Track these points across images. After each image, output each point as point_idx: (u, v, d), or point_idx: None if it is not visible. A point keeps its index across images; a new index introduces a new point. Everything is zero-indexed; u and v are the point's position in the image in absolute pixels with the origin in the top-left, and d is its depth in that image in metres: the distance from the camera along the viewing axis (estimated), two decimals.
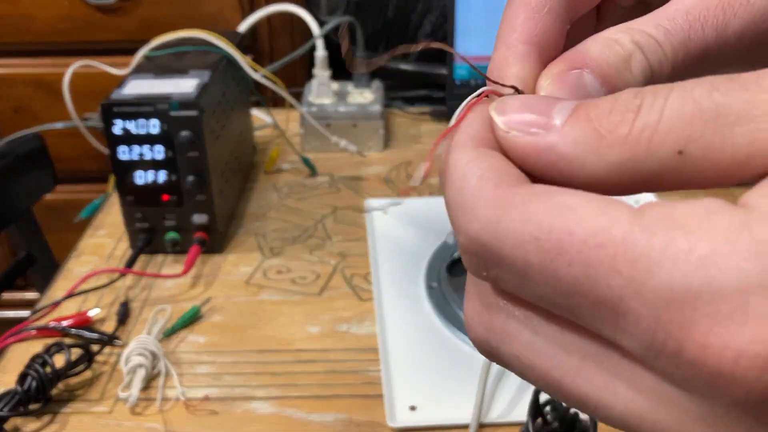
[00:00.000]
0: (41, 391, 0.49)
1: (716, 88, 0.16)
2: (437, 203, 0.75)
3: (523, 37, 0.22)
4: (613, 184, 0.17)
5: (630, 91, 0.17)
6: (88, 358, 0.53)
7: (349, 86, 0.91)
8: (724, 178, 0.16)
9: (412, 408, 0.50)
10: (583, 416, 0.40)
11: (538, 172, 0.18)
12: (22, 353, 0.55)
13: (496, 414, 0.50)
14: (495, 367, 0.53)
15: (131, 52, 0.75)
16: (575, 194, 0.16)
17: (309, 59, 1.00)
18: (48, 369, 0.50)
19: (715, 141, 0.15)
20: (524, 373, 0.18)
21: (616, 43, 0.20)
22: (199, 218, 0.66)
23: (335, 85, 0.90)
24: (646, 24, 0.20)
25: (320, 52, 0.86)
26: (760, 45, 0.21)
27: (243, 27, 0.86)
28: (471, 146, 0.19)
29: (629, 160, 0.16)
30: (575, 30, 0.25)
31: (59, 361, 0.51)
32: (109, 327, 0.58)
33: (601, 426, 0.41)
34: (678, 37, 0.20)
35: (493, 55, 0.23)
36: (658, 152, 0.16)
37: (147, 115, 0.62)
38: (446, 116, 0.95)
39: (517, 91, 0.21)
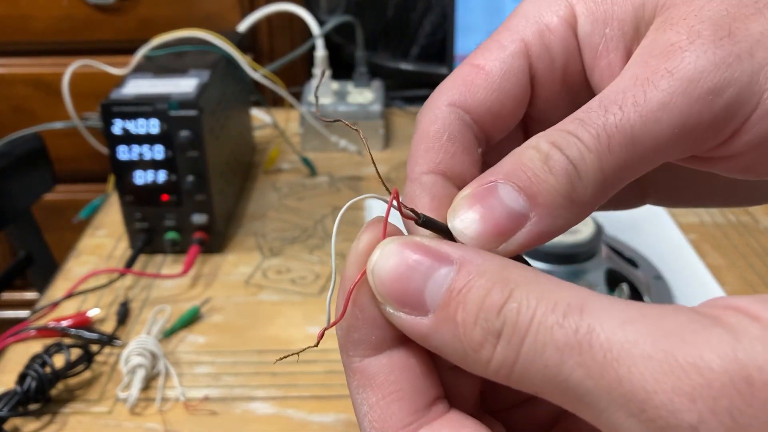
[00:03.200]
0: (41, 391, 0.49)
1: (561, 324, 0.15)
2: None
3: (426, 168, 0.21)
4: (486, 380, 0.18)
5: (496, 297, 0.16)
6: (87, 358, 0.52)
7: (349, 86, 0.91)
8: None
9: None
10: None
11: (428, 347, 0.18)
12: (21, 353, 0.55)
13: None
14: None
15: (131, 51, 0.75)
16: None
17: (309, 59, 1.00)
18: (47, 369, 0.50)
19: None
20: None
21: (530, 147, 0.19)
22: (198, 218, 0.66)
23: (335, 85, 0.90)
24: (561, 124, 0.19)
25: (320, 52, 0.86)
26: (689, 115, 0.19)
27: (243, 26, 0.86)
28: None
29: (493, 378, 0.17)
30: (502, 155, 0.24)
31: (59, 361, 0.51)
32: (108, 327, 0.58)
33: None
34: (595, 125, 0.19)
35: (404, 190, 0.22)
36: (517, 386, 0.16)
37: (146, 115, 0.62)
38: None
39: (415, 213, 0.19)
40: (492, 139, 0.23)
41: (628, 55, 0.21)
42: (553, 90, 0.22)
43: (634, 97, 0.18)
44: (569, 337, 0.15)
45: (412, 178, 0.21)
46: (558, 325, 0.15)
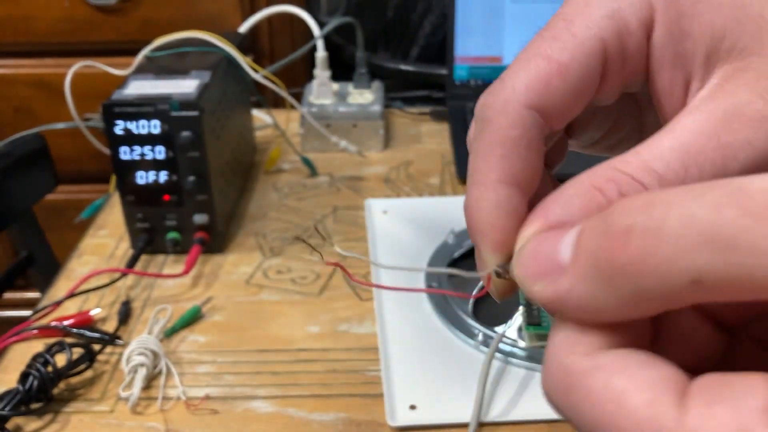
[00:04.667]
0: (43, 390, 0.50)
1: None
2: (438, 203, 0.75)
3: (502, 177, 0.20)
4: (633, 314, 0.16)
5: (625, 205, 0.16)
6: (89, 357, 0.53)
7: (350, 87, 0.91)
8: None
9: (412, 407, 0.50)
10: None
11: (571, 317, 0.17)
12: (23, 353, 0.55)
13: (495, 413, 0.50)
14: (495, 367, 0.53)
15: (132, 52, 0.75)
16: (629, 376, 0.15)
17: (309, 60, 1.00)
18: (49, 368, 0.50)
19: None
20: None
21: (601, 193, 0.18)
22: (199, 218, 0.66)
23: (335, 86, 0.90)
24: (636, 167, 0.18)
25: (320, 53, 0.86)
26: None
27: (243, 28, 0.87)
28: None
29: (639, 290, 0.15)
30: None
31: (61, 360, 0.51)
32: (110, 326, 0.58)
33: None
34: (673, 184, 0.18)
35: (469, 192, 0.21)
36: (669, 280, 0.15)
37: (148, 116, 0.62)
38: (446, 116, 0.95)
39: (498, 274, 0.19)
40: (555, 134, 0.23)
41: (689, 77, 0.20)
42: (614, 88, 0.22)
43: (713, 162, 0.18)
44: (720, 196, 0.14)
45: (484, 183, 0.21)
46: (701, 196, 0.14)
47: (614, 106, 0.24)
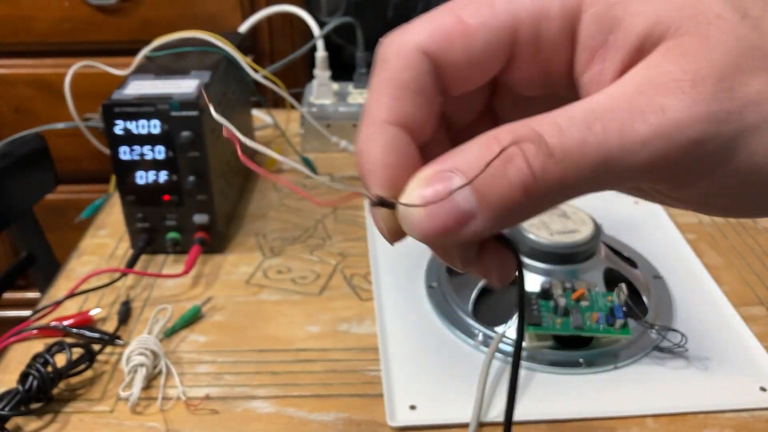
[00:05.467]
0: (42, 390, 0.50)
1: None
2: None
3: (391, 117, 0.21)
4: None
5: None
6: (89, 357, 0.53)
7: (350, 87, 0.91)
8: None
9: (412, 407, 0.50)
10: None
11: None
12: (23, 353, 0.55)
13: (495, 413, 0.50)
14: (495, 367, 0.53)
15: (132, 52, 0.76)
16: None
17: (309, 60, 1.00)
18: (49, 368, 0.50)
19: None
20: None
21: (494, 140, 0.19)
22: (199, 218, 0.66)
23: (335, 86, 0.90)
24: (537, 121, 0.19)
25: (320, 53, 0.86)
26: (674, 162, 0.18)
27: (243, 28, 0.87)
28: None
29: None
30: (461, 106, 0.24)
31: (60, 360, 0.51)
32: (110, 326, 0.58)
33: None
34: (572, 139, 0.18)
35: (360, 131, 0.22)
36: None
37: (148, 116, 0.62)
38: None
39: (383, 201, 0.20)
40: (451, 94, 0.22)
41: (623, 68, 0.20)
42: (528, 73, 0.22)
43: (622, 123, 0.18)
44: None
45: (374, 122, 0.21)
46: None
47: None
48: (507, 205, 0.19)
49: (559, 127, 0.18)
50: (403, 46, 0.21)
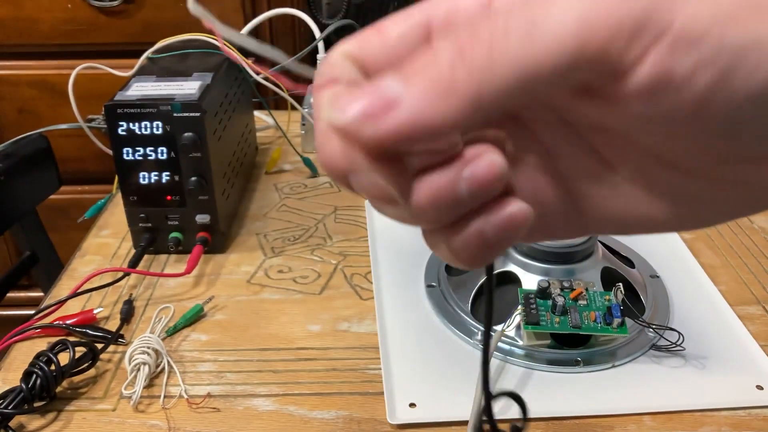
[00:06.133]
0: (46, 388, 0.50)
1: None
2: None
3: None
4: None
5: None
6: (92, 356, 0.53)
7: None
8: None
9: (412, 405, 0.50)
10: None
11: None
12: (26, 351, 0.55)
13: (495, 411, 0.50)
14: (494, 365, 0.53)
15: (135, 54, 0.76)
16: None
17: (310, 62, 1.00)
18: (52, 367, 0.51)
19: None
20: None
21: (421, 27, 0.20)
22: (201, 218, 0.66)
23: None
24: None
25: (321, 55, 0.87)
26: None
27: (245, 30, 0.87)
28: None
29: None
30: None
31: (64, 359, 0.52)
32: (112, 325, 0.59)
33: None
34: (500, 15, 0.17)
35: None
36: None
37: (150, 117, 0.63)
38: None
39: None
40: None
41: None
42: None
43: None
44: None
45: (316, 119, 0.21)
46: None
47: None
48: (436, 87, 0.17)
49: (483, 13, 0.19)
50: (328, 55, 0.22)
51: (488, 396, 0.29)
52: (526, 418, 0.22)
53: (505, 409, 0.50)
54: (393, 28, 0.21)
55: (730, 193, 0.21)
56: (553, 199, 0.23)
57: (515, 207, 0.20)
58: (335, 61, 0.21)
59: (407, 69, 0.18)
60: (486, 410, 0.30)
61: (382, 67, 0.21)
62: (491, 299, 0.28)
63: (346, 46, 0.22)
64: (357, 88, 0.18)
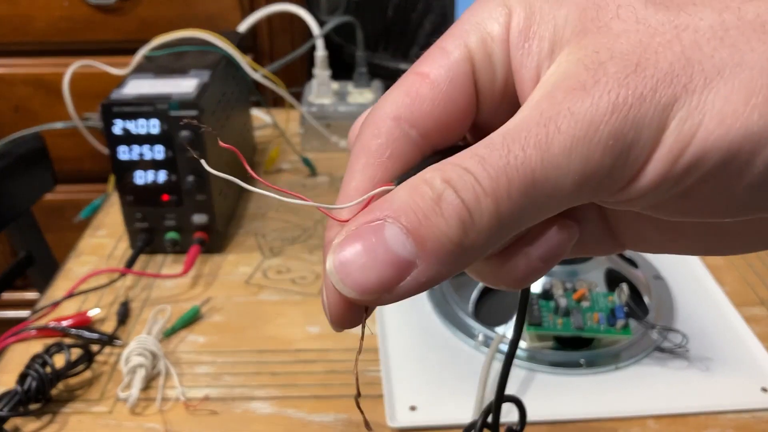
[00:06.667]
0: (41, 391, 0.49)
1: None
2: None
3: (361, 185, 0.21)
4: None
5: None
6: (88, 358, 0.53)
7: (349, 86, 0.91)
8: None
9: (413, 408, 0.50)
10: None
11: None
12: (22, 353, 0.55)
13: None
14: (495, 367, 0.53)
15: (131, 52, 0.75)
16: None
17: (309, 59, 1.00)
18: (48, 369, 0.50)
19: None
20: None
21: (424, 182, 0.18)
22: (198, 218, 0.66)
23: (335, 85, 0.90)
24: (460, 157, 0.18)
25: (320, 52, 0.86)
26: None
27: (243, 27, 0.86)
28: None
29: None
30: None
31: (59, 361, 0.51)
32: (109, 327, 0.58)
33: None
34: (496, 166, 0.17)
35: (336, 201, 0.22)
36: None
37: (147, 115, 0.62)
38: None
39: None
40: (443, 144, 0.22)
41: (537, 75, 0.20)
42: (495, 99, 0.22)
43: (537, 137, 0.17)
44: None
45: (345, 192, 0.21)
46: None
47: None
48: (447, 246, 0.17)
49: (481, 157, 0.18)
50: (374, 115, 0.21)
51: (498, 406, 0.29)
52: (524, 423, 0.22)
53: (506, 412, 0.50)
54: (438, 71, 0.21)
55: (761, 227, 0.21)
56: (593, 229, 0.23)
57: (564, 233, 0.21)
58: (384, 129, 0.21)
59: (417, 224, 0.18)
60: (494, 415, 0.30)
61: (436, 121, 0.21)
62: (523, 317, 0.28)
63: (393, 107, 0.21)
64: (362, 242, 0.18)
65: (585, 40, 0.18)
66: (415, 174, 0.19)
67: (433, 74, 0.21)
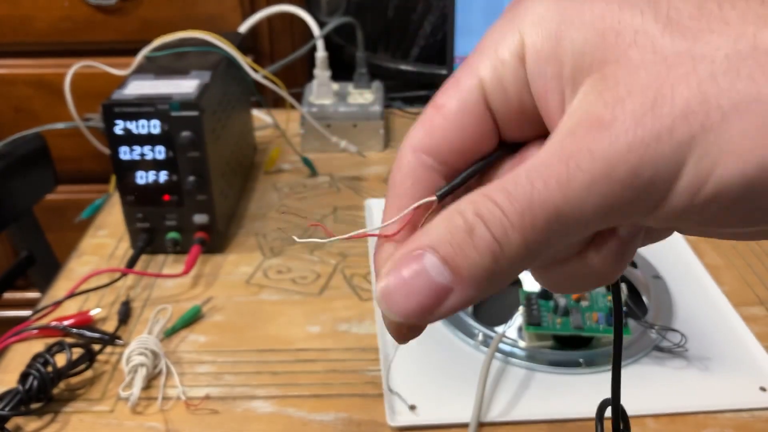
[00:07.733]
0: (43, 390, 0.50)
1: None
2: None
3: (394, 213, 0.23)
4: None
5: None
6: (89, 357, 0.53)
7: (350, 87, 0.91)
8: None
9: (412, 407, 0.50)
10: None
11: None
12: (23, 353, 0.55)
13: (495, 413, 0.50)
14: (495, 367, 0.53)
15: (132, 52, 0.75)
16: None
17: (309, 60, 1.00)
18: (49, 368, 0.50)
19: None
20: None
21: (458, 214, 0.19)
22: (199, 218, 0.66)
23: (335, 86, 0.90)
24: (489, 190, 0.19)
25: (320, 53, 0.86)
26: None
27: (243, 28, 0.87)
28: None
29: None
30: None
31: (60, 360, 0.51)
32: (110, 326, 0.58)
33: None
34: (521, 201, 0.19)
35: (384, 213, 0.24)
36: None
37: (148, 116, 0.62)
38: None
39: None
40: (462, 168, 0.23)
41: (562, 101, 0.20)
42: (512, 119, 0.22)
43: (558, 175, 0.18)
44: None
45: (384, 220, 0.23)
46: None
47: None
48: (481, 273, 0.19)
49: (507, 192, 0.19)
50: (399, 152, 0.24)
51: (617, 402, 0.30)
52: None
53: (505, 411, 0.50)
54: (450, 102, 0.22)
55: None
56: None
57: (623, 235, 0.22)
58: (404, 161, 0.23)
59: (452, 254, 0.19)
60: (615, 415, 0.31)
61: (450, 146, 0.23)
62: (620, 319, 0.29)
63: (413, 141, 0.23)
64: (406, 270, 0.20)
65: (605, 70, 0.19)
66: (453, 186, 0.22)
67: (447, 105, 0.22)
